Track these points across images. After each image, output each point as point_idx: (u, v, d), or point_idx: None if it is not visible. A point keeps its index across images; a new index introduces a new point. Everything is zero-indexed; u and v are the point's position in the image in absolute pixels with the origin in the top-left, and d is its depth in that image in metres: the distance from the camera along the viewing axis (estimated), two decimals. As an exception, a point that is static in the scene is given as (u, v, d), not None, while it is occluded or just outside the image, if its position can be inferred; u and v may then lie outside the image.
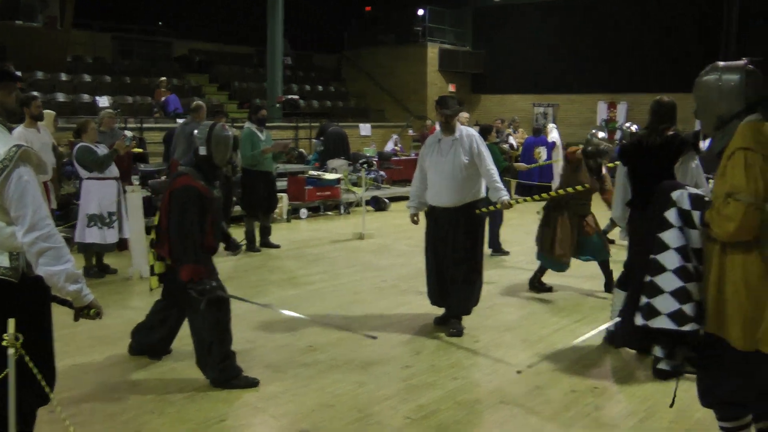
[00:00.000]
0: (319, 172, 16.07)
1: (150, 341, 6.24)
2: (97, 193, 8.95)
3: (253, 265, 10.10)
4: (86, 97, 19.38)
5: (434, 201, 7.21)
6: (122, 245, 9.34)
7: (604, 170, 9.02)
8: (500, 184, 7.18)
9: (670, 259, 3.78)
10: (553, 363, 6.34)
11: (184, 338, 5.95)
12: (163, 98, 19.44)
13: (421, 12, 27.39)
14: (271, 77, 22.61)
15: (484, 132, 9.57)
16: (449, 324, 7.22)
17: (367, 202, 14.84)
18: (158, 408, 5.25)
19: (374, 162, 18.60)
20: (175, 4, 25.01)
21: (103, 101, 18.79)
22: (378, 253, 11.38)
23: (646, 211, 4.43)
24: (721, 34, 21.39)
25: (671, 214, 3.82)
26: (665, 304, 3.76)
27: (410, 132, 25.11)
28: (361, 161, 17.13)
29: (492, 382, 5.89)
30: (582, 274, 9.06)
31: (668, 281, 3.76)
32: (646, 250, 3.91)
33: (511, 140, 18.42)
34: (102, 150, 9.03)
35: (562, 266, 8.54)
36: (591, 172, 8.52)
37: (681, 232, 3.78)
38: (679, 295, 3.72)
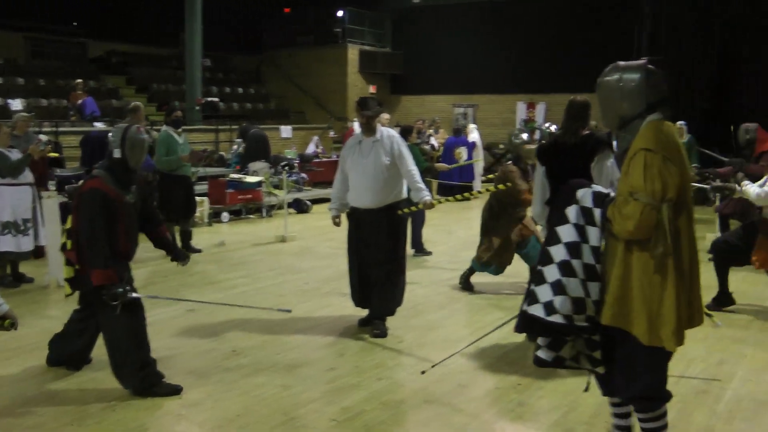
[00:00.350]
0: (240, 175, 15.94)
1: (69, 351, 6.07)
2: (10, 200, 8.71)
3: (174, 270, 9.89)
4: (-2, 100, 18.83)
5: (356, 202, 7.22)
6: (38, 253, 9.14)
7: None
8: (422, 185, 7.23)
9: (557, 252, 3.91)
10: (476, 361, 6.40)
11: (103, 347, 5.83)
12: (79, 101, 18.95)
13: (340, 13, 27.34)
14: (190, 79, 22.21)
15: (405, 133, 9.62)
16: (373, 325, 7.24)
17: (289, 205, 14.76)
18: (77, 420, 5.13)
19: (295, 164, 18.52)
20: (90, 4, 24.42)
21: (16, 104, 18.25)
22: (300, 255, 11.34)
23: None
24: (635, 34, 21.86)
25: (571, 211, 3.94)
26: (543, 293, 3.89)
27: (331, 134, 25.04)
28: (282, 164, 17.04)
29: (416, 381, 5.91)
30: (505, 272, 9.14)
31: (551, 273, 3.90)
32: None
33: (432, 141, 18.62)
34: (15, 154, 8.78)
35: (491, 269, 8.64)
36: (524, 174, 8.53)
37: (575, 229, 3.91)
38: (555, 287, 3.85)
